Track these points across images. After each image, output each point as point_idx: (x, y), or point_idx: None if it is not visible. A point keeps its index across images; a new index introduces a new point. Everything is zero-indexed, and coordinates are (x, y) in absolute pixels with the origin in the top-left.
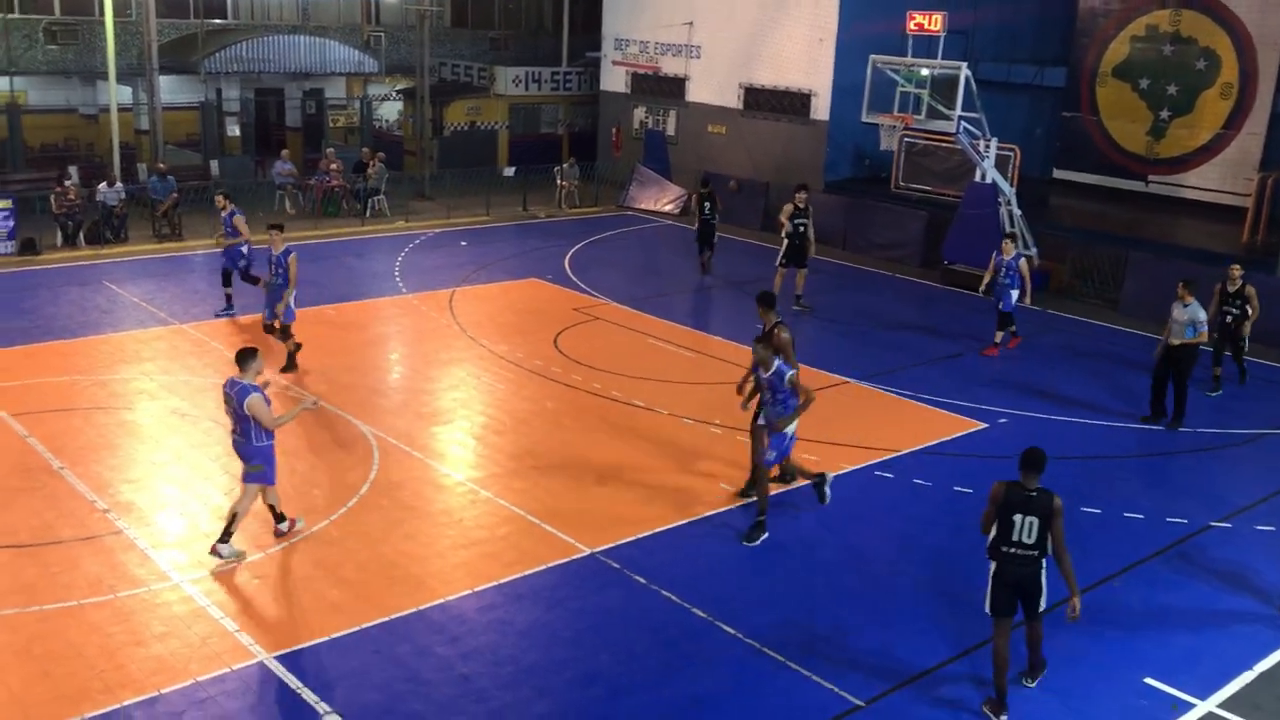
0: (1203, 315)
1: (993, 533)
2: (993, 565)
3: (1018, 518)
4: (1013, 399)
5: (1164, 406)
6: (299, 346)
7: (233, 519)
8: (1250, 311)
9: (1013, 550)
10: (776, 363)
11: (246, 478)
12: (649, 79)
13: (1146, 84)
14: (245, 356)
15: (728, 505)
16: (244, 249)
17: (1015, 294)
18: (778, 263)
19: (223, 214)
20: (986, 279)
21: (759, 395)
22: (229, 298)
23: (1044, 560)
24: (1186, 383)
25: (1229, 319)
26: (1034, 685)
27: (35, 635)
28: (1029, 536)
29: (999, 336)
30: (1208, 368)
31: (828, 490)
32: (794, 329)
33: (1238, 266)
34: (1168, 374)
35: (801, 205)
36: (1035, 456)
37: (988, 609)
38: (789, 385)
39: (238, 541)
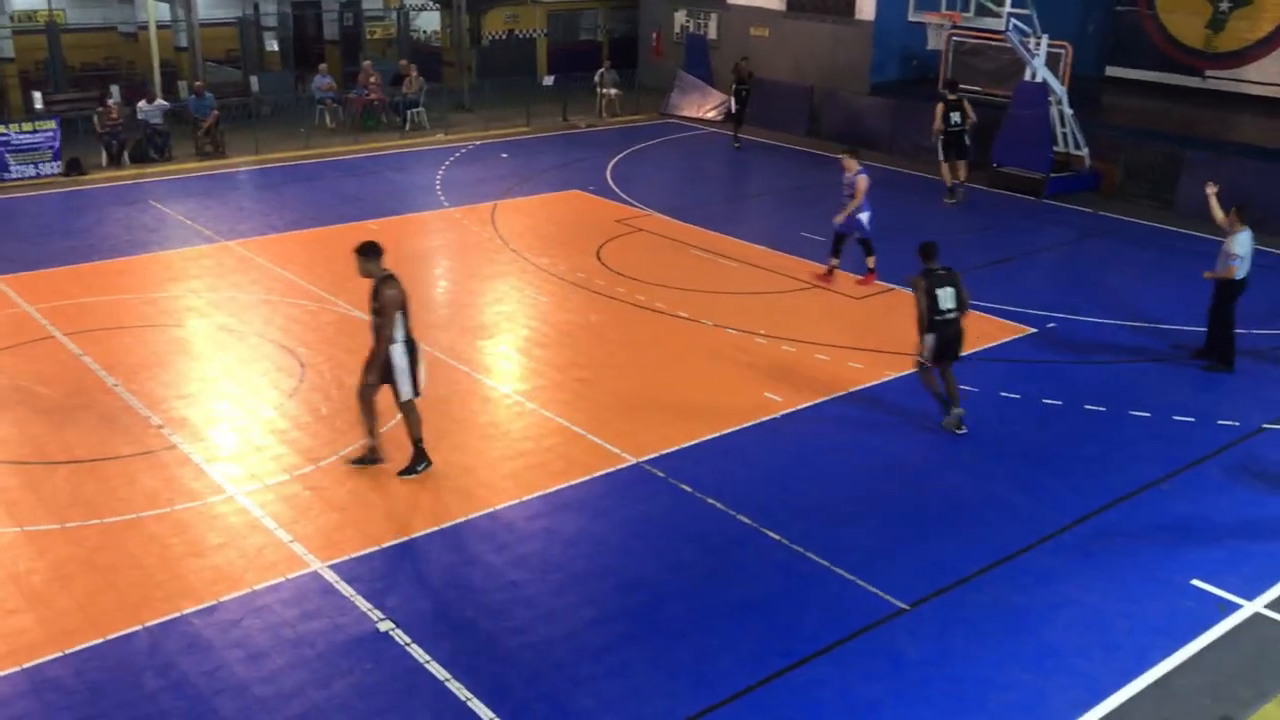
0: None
1: (927, 311)
2: (932, 336)
3: (940, 291)
4: (1063, 303)
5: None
6: None
7: None
8: None
9: (944, 316)
10: None
11: None
12: None
13: None
14: None
15: (772, 414)
16: None
17: (866, 215)
18: (941, 158)
19: None
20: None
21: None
22: None
23: (960, 318)
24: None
25: None
26: (951, 423)
27: (98, 547)
28: (951, 302)
29: (871, 262)
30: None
31: None
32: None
33: None
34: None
35: (954, 98)
36: (930, 245)
37: (930, 361)
38: None
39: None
